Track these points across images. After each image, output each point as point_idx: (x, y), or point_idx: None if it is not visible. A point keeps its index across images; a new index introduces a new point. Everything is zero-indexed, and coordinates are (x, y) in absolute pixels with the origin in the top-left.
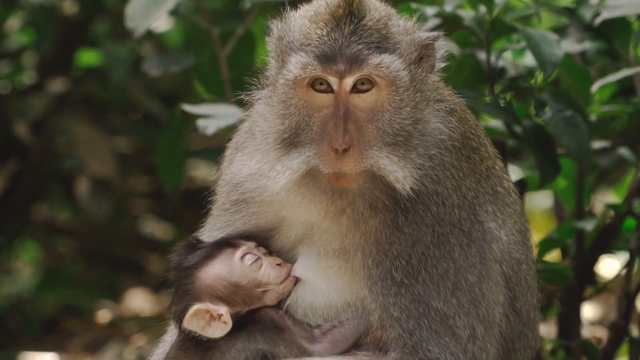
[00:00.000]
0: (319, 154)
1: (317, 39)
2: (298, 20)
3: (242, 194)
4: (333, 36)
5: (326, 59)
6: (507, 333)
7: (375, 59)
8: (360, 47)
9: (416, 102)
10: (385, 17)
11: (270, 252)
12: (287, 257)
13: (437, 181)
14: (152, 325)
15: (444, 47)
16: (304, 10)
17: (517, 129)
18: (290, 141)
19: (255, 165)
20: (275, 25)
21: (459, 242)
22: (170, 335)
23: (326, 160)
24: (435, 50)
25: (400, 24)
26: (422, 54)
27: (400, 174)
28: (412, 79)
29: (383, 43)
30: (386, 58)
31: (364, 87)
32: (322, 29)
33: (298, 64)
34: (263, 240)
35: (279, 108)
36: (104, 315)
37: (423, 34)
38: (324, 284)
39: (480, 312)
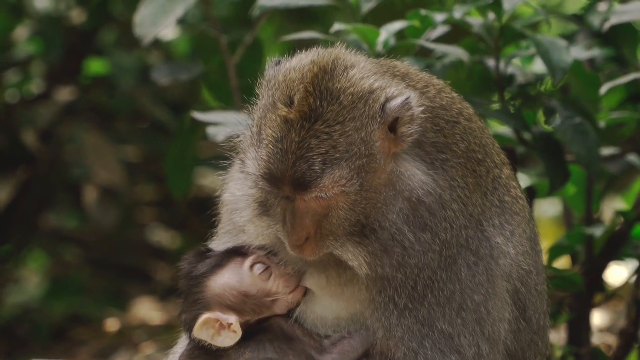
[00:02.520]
0: (283, 235)
1: (270, 143)
2: (276, 86)
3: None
4: (282, 147)
5: (273, 179)
6: (512, 349)
7: (319, 183)
8: (304, 166)
9: (373, 194)
10: (347, 106)
11: (279, 262)
12: (296, 267)
13: (443, 206)
14: (160, 334)
15: (417, 105)
16: (291, 66)
17: (526, 135)
18: (264, 208)
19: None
20: (269, 70)
21: (466, 262)
22: (180, 347)
23: (287, 244)
24: (411, 108)
25: (366, 110)
26: (395, 121)
27: (355, 262)
28: (363, 184)
29: (331, 153)
30: (330, 176)
31: None
32: (276, 131)
33: (251, 167)
34: (273, 249)
35: (249, 178)
36: (112, 324)
37: (393, 105)
38: (333, 297)
39: (486, 330)
